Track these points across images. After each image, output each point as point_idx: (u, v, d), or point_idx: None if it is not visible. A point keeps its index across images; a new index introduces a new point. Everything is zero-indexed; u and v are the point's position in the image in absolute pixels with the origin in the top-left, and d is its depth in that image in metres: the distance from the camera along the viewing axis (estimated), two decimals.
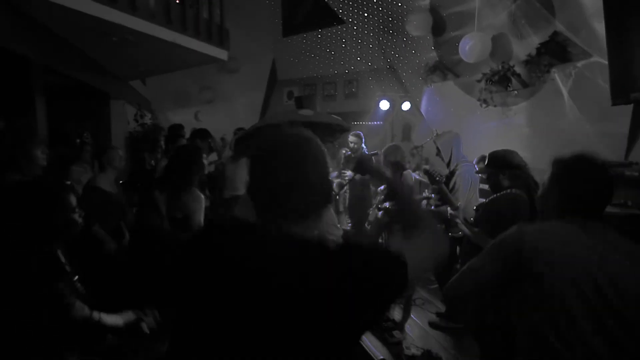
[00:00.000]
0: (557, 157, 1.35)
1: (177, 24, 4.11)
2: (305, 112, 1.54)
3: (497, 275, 1.28)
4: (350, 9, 6.62)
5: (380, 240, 3.84)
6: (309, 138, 0.88)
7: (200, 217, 2.55)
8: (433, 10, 5.44)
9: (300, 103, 4.02)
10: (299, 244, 0.78)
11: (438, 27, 5.51)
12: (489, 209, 2.44)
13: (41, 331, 1.32)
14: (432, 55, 5.83)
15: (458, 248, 2.99)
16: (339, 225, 1.58)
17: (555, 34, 4.13)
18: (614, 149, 3.56)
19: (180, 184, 2.49)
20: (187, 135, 4.85)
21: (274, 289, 0.73)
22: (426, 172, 3.14)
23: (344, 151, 4.98)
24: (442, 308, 3.47)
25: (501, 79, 4.67)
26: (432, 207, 3.38)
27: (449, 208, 2.97)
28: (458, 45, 4.81)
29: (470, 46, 4.67)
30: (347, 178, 4.49)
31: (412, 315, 3.47)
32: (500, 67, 4.69)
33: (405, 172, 3.80)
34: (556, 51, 4.15)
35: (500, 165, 2.39)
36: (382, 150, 4.04)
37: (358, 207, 4.90)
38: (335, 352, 0.76)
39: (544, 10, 4.22)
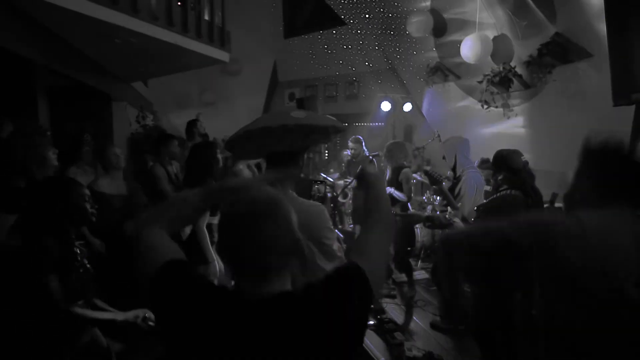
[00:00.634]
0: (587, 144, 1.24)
1: (178, 25, 4.12)
2: (297, 114, 1.52)
3: None
4: (352, 10, 6.63)
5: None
6: (277, 201, 0.92)
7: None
8: (434, 12, 5.45)
9: (301, 105, 4.03)
10: (277, 302, 0.85)
11: (439, 29, 5.51)
12: (488, 208, 2.46)
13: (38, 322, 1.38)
14: (433, 57, 5.84)
15: None
16: (332, 227, 1.58)
17: (557, 35, 4.13)
18: None
19: (197, 182, 2.51)
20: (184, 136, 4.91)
21: (261, 350, 0.81)
22: (426, 173, 3.13)
23: (346, 152, 4.99)
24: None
25: (502, 80, 4.67)
26: (438, 212, 3.36)
27: (449, 208, 2.98)
28: (459, 47, 4.82)
29: (471, 47, 4.68)
30: (350, 187, 4.50)
31: (413, 317, 3.46)
32: (501, 68, 4.69)
33: (404, 170, 3.79)
34: (557, 52, 4.15)
35: (499, 165, 2.42)
36: (385, 146, 4.03)
37: (360, 212, 4.91)
38: None
39: (545, 11, 4.22)
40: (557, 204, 3.48)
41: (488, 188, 3.40)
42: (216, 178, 2.67)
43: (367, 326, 0.92)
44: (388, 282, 4.05)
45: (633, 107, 3.40)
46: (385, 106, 6.41)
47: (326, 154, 7.85)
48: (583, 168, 1.25)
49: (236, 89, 7.73)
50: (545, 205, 3.23)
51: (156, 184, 3.38)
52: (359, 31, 6.76)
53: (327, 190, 4.11)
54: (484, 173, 3.43)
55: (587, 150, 1.24)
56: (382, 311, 3.42)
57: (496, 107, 5.03)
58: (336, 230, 1.77)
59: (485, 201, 2.66)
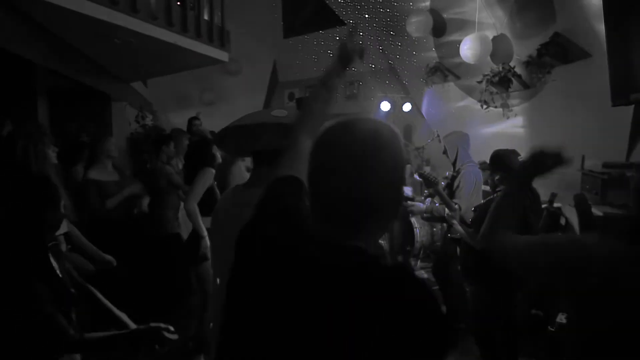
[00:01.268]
0: None
1: (178, 25, 4.12)
2: (278, 113, 1.50)
3: None
4: (351, 10, 6.63)
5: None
6: (391, 135, 0.74)
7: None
8: (433, 12, 5.45)
9: (301, 104, 4.04)
10: (359, 262, 0.69)
11: (438, 29, 5.51)
12: (485, 209, 2.46)
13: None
14: (433, 57, 5.84)
15: (458, 248, 2.99)
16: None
17: (556, 35, 4.13)
18: (615, 151, 3.56)
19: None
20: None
21: (325, 310, 0.67)
22: (421, 176, 3.14)
23: None
24: (443, 309, 3.47)
25: (502, 80, 4.67)
26: (437, 205, 3.38)
27: (446, 209, 2.98)
28: (458, 47, 4.82)
29: (471, 47, 4.68)
30: None
31: None
32: (500, 69, 4.69)
33: (407, 166, 3.88)
34: (557, 52, 4.15)
35: (497, 166, 2.42)
36: None
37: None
38: None
39: (544, 11, 4.23)
40: (556, 204, 3.48)
41: (488, 188, 3.41)
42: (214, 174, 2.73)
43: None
44: None
45: (632, 107, 3.41)
46: (385, 106, 6.41)
47: None
48: None
49: (236, 89, 7.73)
50: (544, 206, 3.23)
51: (166, 179, 3.40)
52: (360, 33, 6.75)
53: None
54: (483, 174, 3.44)
55: None
56: None
57: (495, 107, 5.03)
58: None
59: (482, 202, 2.66)
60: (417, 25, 5.39)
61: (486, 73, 4.83)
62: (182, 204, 3.55)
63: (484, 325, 2.49)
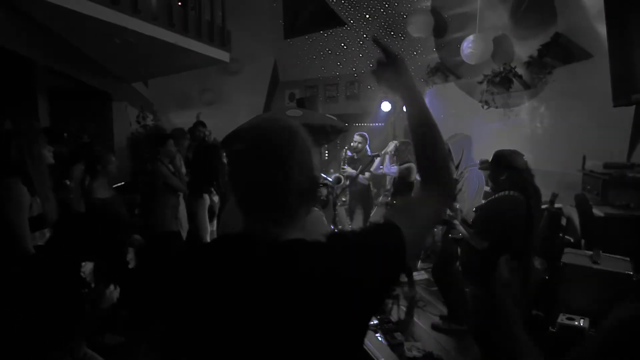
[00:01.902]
0: None
1: (179, 26, 4.12)
2: (293, 113, 1.50)
3: None
4: (352, 10, 6.63)
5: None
6: (296, 129, 0.81)
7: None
8: (434, 12, 5.45)
9: (302, 104, 4.05)
10: (291, 248, 0.75)
11: (439, 29, 5.52)
12: (487, 210, 2.44)
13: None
14: (434, 57, 5.84)
15: (459, 249, 2.98)
16: (325, 222, 1.56)
17: (557, 35, 4.13)
18: (617, 151, 3.56)
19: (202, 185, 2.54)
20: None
21: (273, 299, 0.71)
22: None
23: (344, 153, 4.99)
24: (444, 310, 3.47)
25: (503, 81, 4.67)
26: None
27: (447, 210, 2.97)
28: (459, 47, 4.81)
29: (472, 47, 4.68)
30: (346, 174, 4.52)
31: (413, 317, 3.47)
32: (501, 69, 4.68)
33: (410, 165, 3.93)
34: (558, 52, 4.15)
35: (501, 165, 2.40)
36: (394, 145, 4.16)
37: (359, 204, 4.92)
38: (348, 345, 0.75)
39: (545, 11, 4.22)
40: (557, 205, 3.48)
41: (488, 189, 3.40)
42: (222, 181, 2.69)
43: (392, 290, 0.80)
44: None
45: (633, 107, 3.40)
46: (386, 106, 6.41)
47: (326, 155, 7.85)
48: None
49: (236, 89, 7.73)
50: (545, 206, 3.22)
51: (162, 180, 3.40)
52: (359, 31, 6.76)
53: (330, 191, 4.14)
54: (483, 174, 3.43)
55: None
56: (382, 311, 3.42)
57: (496, 107, 5.03)
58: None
59: (484, 202, 2.65)
60: (418, 26, 5.39)
61: (487, 73, 4.83)
62: (182, 203, 3.55)
63: (484, 325, 2.48)
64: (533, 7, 4.32)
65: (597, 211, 3.16)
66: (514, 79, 4.63)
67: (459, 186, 3.10)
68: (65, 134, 3.74)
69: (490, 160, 2.52)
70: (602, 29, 3.45)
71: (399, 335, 2.97)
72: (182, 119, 6.71)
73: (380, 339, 2.93)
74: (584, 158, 3.66)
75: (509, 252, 2.32)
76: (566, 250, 2.97)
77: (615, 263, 2.69)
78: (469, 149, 3.19)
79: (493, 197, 2.43)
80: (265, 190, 0.77)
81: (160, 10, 3.86)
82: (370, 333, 3.04)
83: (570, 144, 4.22)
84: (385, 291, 0.80)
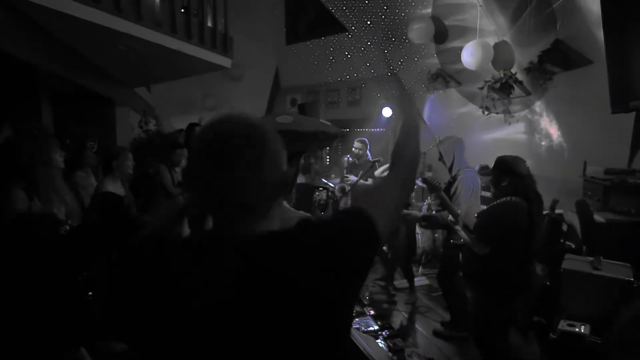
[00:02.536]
0: None
1: (181, 32, 4.16)
2: (283, 119, 1.47)
3: None
4: (353, 17, 6.67)
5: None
6: (260, 125, 0.80)
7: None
8: (435, 19, 5.48)
9: (303, 110, 4.07)
10: (262, 242, 0.74)
11: (440, 35, 5.54)
12: (489, 216, 2.45)
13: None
14: (434, 63, 5.86)
15: (460, 255, 2.98)
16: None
17: (557, 41, 4.15)
18: (617, 157, 3.56)
19: None
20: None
21: (247, 296, 0.69)
22: (424, 181, 3.14)
23: (346, 158, 5.00)
24: (446, 316, 3.46)
25: (503, 87, 4.69)
26: (434, 212, 3.38)
27: (449, 215, 2.97)
28: (460, 53, 4.84)
29: (472, 54, 4.70)
30: (349, 183, 4.51)
31: (415, 324, 3.46)
32: (502, 75, 4.70)
33: None
34: (558, 59, 4.17)
35: (504, 171, 2.40)
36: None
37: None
38: (332, 337, 0.75)
39: (545, 18, 4.25)
40: (558, 210, 3.48)
41: (488, 194, 3.41)
42: None
43: (366, 276, 0.80)
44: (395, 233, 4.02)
45: (633, 114, 3.41)
46: (387, 112, 6.43)
47: (327, 159, 7.86)
48: None
49: (238, 95, 7.77)
50: (546, 212, 3.22)
51: (160, 181, 3.41)
52: (361, 38, 6.80)
53: (330, 195, 4.13)
54: (483, 179, 3.43)
55: None
56: (383, 317, 3.41)
57: (497, 113, 5.04)
58: None
59: (485, 207, 2.65)
60: (418, 32, 5.42)
61: (487, 79, 4.85)
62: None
63: (486, 331, 2.48)
64: (534, 14, 4.34)
65: (598, 217, 3.16)
66: (514, 85, 4.65)
67: (452, 189, 3.12)
68: (67, 141, 3.76)
69: (491, 166, 2.52)
70: (601, 36, 3.46)
71: (399, 341, 2.97)
72: (185, 124, 6.74)
73: (381, 344, 2.92)
74: (585, 164, 3.67)
75: (510, 258, 2.32)
76: (567, 256, 2.97)
77: (616, 269, 2.68)
78: (461, 151, 3.21)
79: (495, 202, 2.43)
80: (228, 188, 0.74)
81: (163, 17, 3.90)
82: (370, 338, 3.03)
83: (571, 150, 4.23)
84: (361, 276, 0.79)
